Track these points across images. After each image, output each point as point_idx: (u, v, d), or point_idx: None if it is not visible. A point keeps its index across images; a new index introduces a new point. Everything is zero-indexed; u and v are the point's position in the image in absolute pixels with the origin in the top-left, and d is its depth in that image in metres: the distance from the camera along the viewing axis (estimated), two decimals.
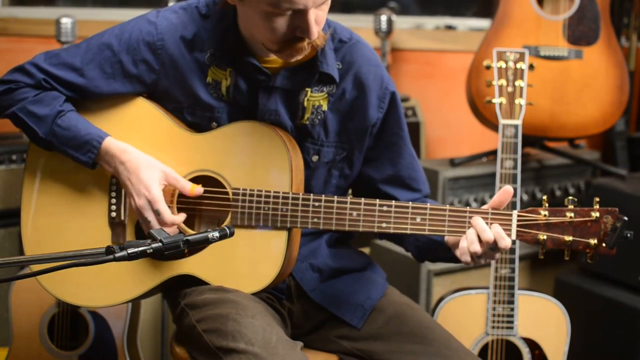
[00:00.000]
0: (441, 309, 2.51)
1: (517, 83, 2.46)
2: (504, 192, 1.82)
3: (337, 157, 2.02)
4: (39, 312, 2.68)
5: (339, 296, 2.04)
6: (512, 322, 2.46)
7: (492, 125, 2.99)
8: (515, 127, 2.44)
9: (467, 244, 1.80)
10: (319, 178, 2.02)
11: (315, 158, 2.00)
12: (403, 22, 3.81)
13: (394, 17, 3.52)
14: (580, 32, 3.07)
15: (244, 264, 1.90)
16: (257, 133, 1.91)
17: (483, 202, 3.14)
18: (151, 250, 1.49)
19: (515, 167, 2.42)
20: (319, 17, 1.80)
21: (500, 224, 1.79)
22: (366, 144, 2.04)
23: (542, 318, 2.50)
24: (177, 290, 1.98)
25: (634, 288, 2.84)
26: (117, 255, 1.46)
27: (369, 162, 2.07)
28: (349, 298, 2.04)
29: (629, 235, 1.76)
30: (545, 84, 3.03)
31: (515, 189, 2.40)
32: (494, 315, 2.47)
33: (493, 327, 2.47)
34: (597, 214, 1.77)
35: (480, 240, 1.79)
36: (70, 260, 1.45)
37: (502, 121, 2.45)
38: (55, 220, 2.00)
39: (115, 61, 1.95)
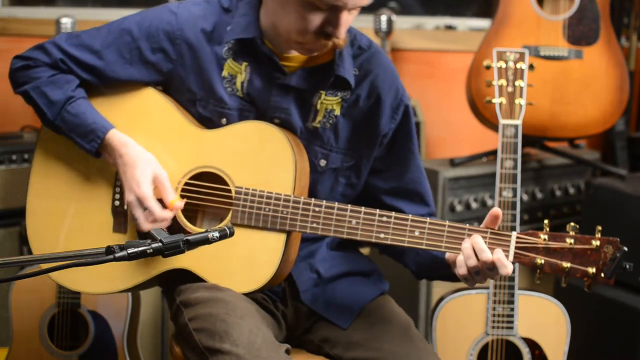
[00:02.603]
0: (441, 309, 2.51)
1: (517, 83, 2.46)
2: (493, 218, 1.80)
3: (344, 164, 2.02)
4: (39, 312, 2.68)
5: (330, 299, 2.04)
6: (512, 322, 2.46)
7: (492, 125, 2.99)
8: (515, 127, 2.44)
9: (464, 258, 1.79)
10: (325, 183, 2.02)
11: (323, 162, 2.00)
12: (403, 22, 3.81)
13: (394, 17, 3.52)
14: (580, 32, 3.07)
15: (240, 263, 1.90)
16: (264, 134, 1.91)
17: (483, 203, 3.14)
18: (151, 250, 1.49)
19: (515, 167, 2.42)
20: (347, 20, 1.83)
21: (498, 245, 1.78)
22: (375, 153, 2.04)
23: (542, 318, 2.50)
24: (174, 286, 1.98)
25: (634, 288, 2.84)
26: (117, 255, 1.46)
27: (376, 172, 2.07)
28: (340, 301, 2.03)
29: (627, 266, 1.73)
30: (545, 84, 3.03)
31: (515, 189, 2.40)
32: (494, 315, 2.47)
33: (493, 327, 2.47)
34: (598, 243, 1.74)
35: (477, 257, 1.77)
36: (71, 260, 1.46)
37: (502, 121, 2.45)
38: (61, 205, 2.01)
39: (134, 47, 1.96)
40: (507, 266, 1.75)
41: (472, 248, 1.77)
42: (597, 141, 3.70)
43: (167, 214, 1.90)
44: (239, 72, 1.96)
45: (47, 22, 3.49)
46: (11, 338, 2.69)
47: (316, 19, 1.81)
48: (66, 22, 3.21)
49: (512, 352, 2.49)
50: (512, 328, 2.47)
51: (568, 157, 3.31)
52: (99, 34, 1.99)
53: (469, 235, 1.80)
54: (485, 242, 1.78)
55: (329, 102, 1.98)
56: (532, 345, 2.48)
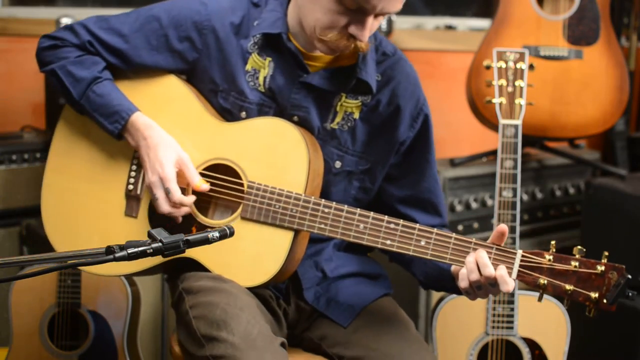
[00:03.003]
0: (441, 309, 2.51)
1: (517, 83, 2.46)
2: (499, 234, 1.80)
3: (359, 167, 2.02)
4: (39, 312, 2.68)
5: (332, 297, 2.04)
6: (512, 322, 2.46)
7: (492, 125, 2.99)
8: (515, 127, 2.44)
9: (467, 272, 1.79)
10: (339, 186, 2.03)
11: (338, 164, 2.00)
12: (403, 22, 3.80)
13: (394, 17, 3.51)
14: (580, 32, 3.07)
15: (246, 257, 1.91)
16: (281, 131, 1.93)
17: (483, 203, 3.14)
18: (151, 250, 1.49)
19: (515, 167, 2.42)
20: (373, 25, 1.85)
21: (502, 261, 1.78)
22: (391, 159, 2.04)
23: (542, 318, 2.50)
24: (178, 273, 1.99)
25: (634, 288, 2.84)
26: (117, 255, 1.46)
27: (391, 179, 2.07)
28: (342, 300, 2.04)
29: (630, 294, 1.72)
30: (545, 84, 3.03)
31: (515, 189, 2.40)
32: (494, 315, 2.47)
33: (493, 327, 2.47)
34: (603, 268, 1.73)
35: (480, 272, 1.77)
36: (71, 259, 1.46)
37: (502, 121, 2.45)
38: (75, 184, 2.05)
39: (161, 34, 1.99)
40: (508, 283, 1.74)
41: (475, 262, 1.77)
42: (597, 141, 3.70)
43: (186, 199, 1.92)
44: (263, 67, 1.98)
45: (47, 22, 3.49)
46: (11, 338, 2.69)
47: (342, 18, 1.82)
48: (66, 22, 3.20)
49: (512, 352, 2.49)
50: (512, 328, 2.47)
51: (568, 157, 3.31)
52: (127, 19, 2.02)
53: (475, 250, 1.80)
54: (490, 257, 1.77)
55: (349, 105, 1.99)
56: (532, 345, 2.48)
